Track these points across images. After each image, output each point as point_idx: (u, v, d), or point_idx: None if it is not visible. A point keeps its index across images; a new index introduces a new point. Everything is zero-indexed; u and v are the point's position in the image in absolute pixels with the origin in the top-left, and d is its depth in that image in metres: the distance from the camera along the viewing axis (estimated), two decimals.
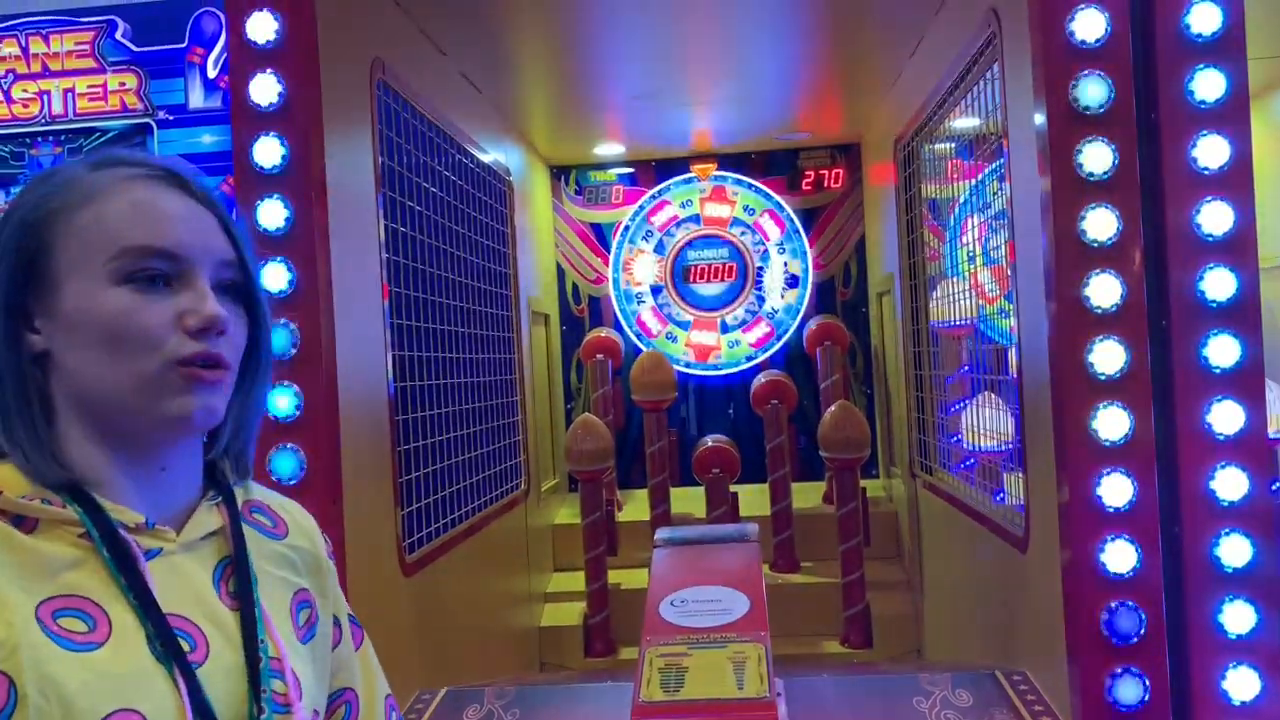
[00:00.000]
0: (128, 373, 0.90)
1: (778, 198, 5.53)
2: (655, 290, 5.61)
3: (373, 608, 2.32)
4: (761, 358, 5.52)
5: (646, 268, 5.60)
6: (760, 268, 5.54)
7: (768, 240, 5.54)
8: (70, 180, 0.94)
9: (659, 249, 5.59)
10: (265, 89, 1.97)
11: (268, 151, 1.97)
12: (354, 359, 2.38)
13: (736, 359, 5.55)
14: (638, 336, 5.56)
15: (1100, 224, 1.73)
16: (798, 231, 5.53)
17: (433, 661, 2.81)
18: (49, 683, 0.83)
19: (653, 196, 5.61)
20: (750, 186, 5.54)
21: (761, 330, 5.55)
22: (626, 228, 5.60)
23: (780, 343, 5.53)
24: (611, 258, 5.62)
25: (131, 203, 0.92)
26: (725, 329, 5.56)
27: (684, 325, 5.58)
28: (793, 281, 5.53)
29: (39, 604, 0.86)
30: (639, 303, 5.62)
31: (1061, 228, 1.77)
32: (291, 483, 2.08)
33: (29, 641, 0.84)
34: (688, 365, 5.54)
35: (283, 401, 2.10)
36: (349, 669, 1.12)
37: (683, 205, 5.58)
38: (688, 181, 5.56)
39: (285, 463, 2.08)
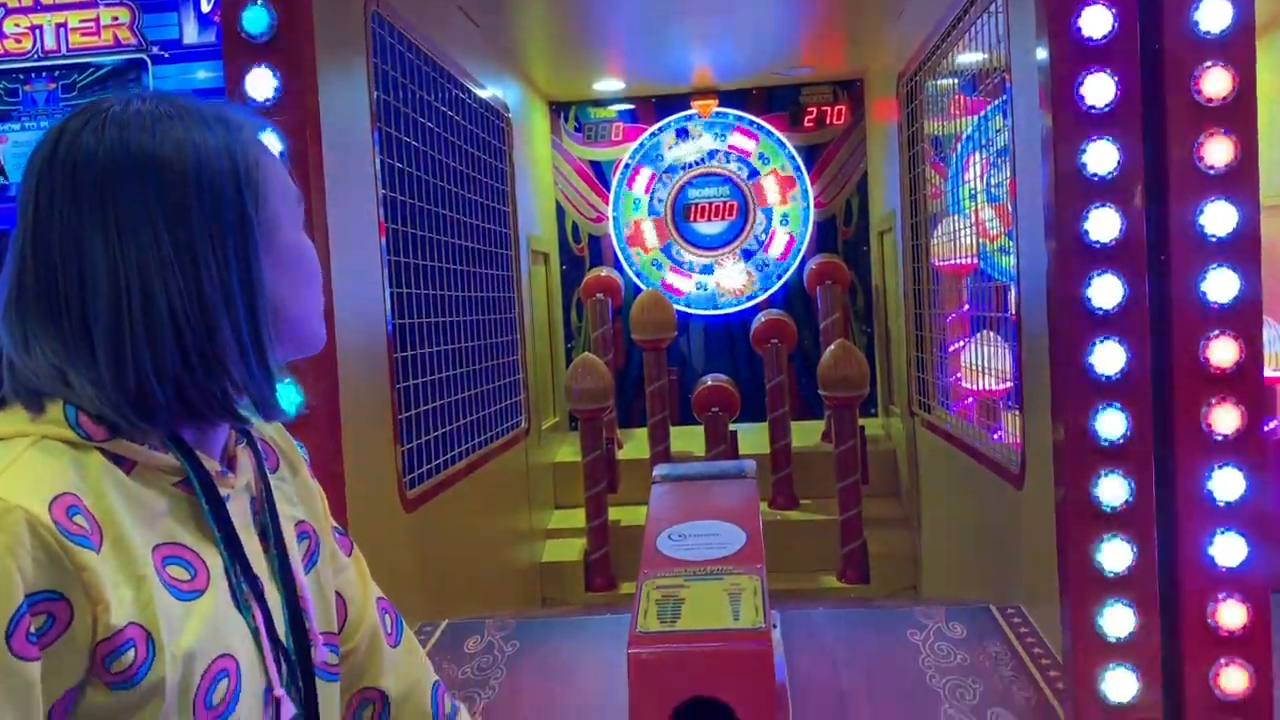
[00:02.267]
0: (317, 303, 0.99)
1: (779, 134, 5.47)
2: (665, 250, 5.55)
3: (373, 542, 2.33)
4: (761, 298, 5.50)
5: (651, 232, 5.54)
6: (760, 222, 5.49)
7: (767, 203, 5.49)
8: (251, 127, 0.96)
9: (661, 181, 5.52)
10: (256, 19, 1.94)
11: (260, 83, 1.95)
12: (351, 295, 2.38)
13: (770, 281, 5.52)
14: (630, 266, 5.54)
15: (1101, 158, 1.71)
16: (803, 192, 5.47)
17: (434, 596, 2.85)
18: (172, 633, 0.83)
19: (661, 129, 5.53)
20: (752, 124, 5.48)
21: (782, 240, 5.49)
22: (626, 165, 5.55)
23: (779, 284, 5.51)
24: (611, 196, 5.58)
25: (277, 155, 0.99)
26: (748, 256, 5.53)
27: (707, 270, 5.54)
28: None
29: (152, 549, 0.85)
30: (657, 269, 5.57)
31: (1062, 162, 1.76)
32: (289, 419, 2.08)
33: (154, 591, 0.83)
34: (718, 305, 5.52)
35: None
36: (342, 574, 1.14)
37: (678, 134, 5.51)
38: (688, 119, 5.50)
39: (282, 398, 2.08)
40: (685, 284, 5.56)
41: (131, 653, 0.80)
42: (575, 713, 2.09)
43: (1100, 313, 1.71)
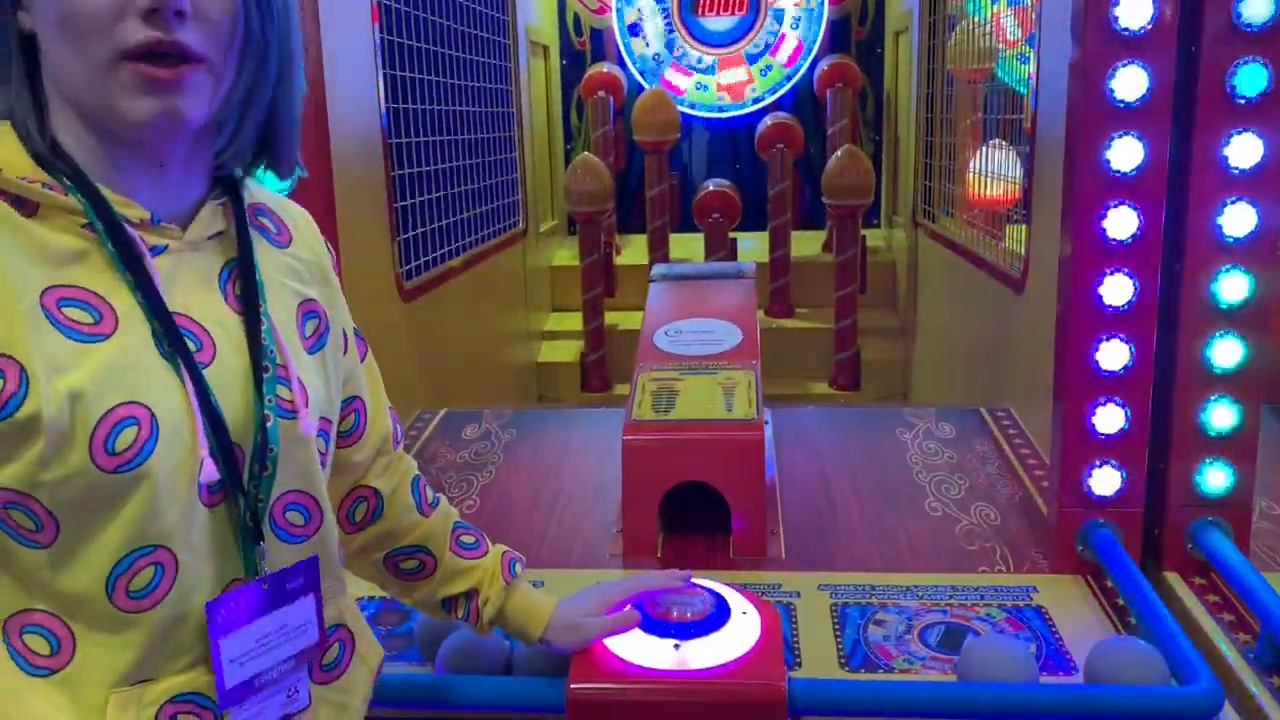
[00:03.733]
0: (82, 63, 0.83)
1: None
2: (669, 45, 5.30)
3: (370, 329, 2.34)
4: (767, 100, 5.31)
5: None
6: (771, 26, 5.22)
7: None
8: None
9: None
10: None
11: None
12: (341, 75, 2.28)
13: (776, 83, 5.31)
14: (641, 73, 5.32)
15: None
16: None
17: (432, 384, 2.88)
18: (56, 371, 0.81)
19: None
20: None
21: (790, 46, 5.25)
22: None
23: (787, 87, 5.31)
24: None
25: None
26: (752, 59, 5.31)
27: (709, 70, 5.32)
28: None
29: (43, 290, 0.82)
30: (658, 64, 5.32)
31: None
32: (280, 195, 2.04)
33: (34, 327, 0.81)
34: (722, 109, 5.33)
35: None
36: (356, 379, 1.13)
37: None
38: None
39: (269, 177, 2.03)
40: (685, 82, 5.35)
41: (1, 382, 0.79)
42: (570, 497, 2.14)
43: (1123, 105, 1.64)
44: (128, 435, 0.83)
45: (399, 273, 2.68)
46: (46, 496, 0.82)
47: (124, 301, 0.86)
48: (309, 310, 1.02)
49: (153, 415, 0.84)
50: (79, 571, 0.85)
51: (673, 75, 5.34)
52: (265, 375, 0.92)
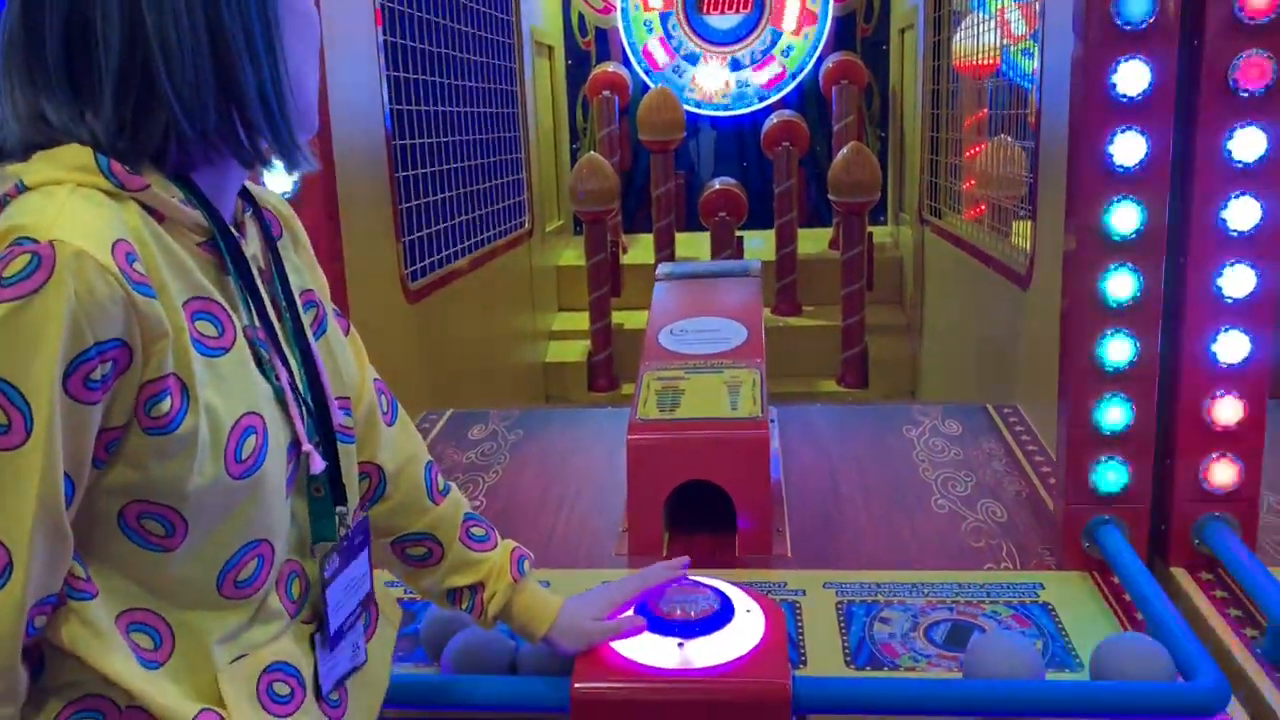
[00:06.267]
0: (315, 78, 0.97)
1: None
2: (664, 17, 5.28)
3: (375, 330, 2.34)
4: (775, 98, 5.31)
5: None
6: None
7: None
8: None
9: None
10: None
11: None
12: (344, 78, 2.29)
13: (747, 99, 5.33)
14: (646, 72, 5.32)
15: None
16: None
17: (438, 386, 2.89)
18: (202, 387, 0.84)
19: None
20: None
21: (773, 70, 5.29)
22: None
23: (794, 82, 5.30)
24: None
25: None
26: (736, 66, 5.31)
27: (692, 59, 5.31)
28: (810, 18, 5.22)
29: (184, 303, 0.85)
30: (647, 31, 5.30)
31: None
32: (315, 168, 2.05)
33: (189, 344, 0.84)
34: (697, 105, 5.33)
35: None
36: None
37: None
38: None
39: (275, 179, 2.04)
40: (714, 84, 5.32)
41: (168, 401, 0.82)
42: (576, 496, 2.15)
43: (1125, 100, 1.63)
44: (250, 443, 0.88)
45: (404, 274, 2.69)
46: (187, 505, 0.85)
47: (233, 311, 0.90)
48: (308, 300, 1.05)
49: (263, 421, 0.90)
50: (195, 568, 0.89)
51: (656, 49, 5.29)
52: (317, 371, 1.01)
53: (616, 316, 4.46)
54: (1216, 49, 1.61)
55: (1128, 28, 1.62)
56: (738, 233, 4.56)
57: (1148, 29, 1.61)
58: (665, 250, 4.64)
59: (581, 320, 4.53)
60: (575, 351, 4.52)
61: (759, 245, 4.78)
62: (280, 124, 0.91)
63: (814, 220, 5.23)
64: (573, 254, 5.03)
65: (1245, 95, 1.61)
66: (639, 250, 5.02)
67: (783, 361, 3.45)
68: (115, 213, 0.82)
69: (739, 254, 4.51)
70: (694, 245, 4.85)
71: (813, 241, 4.91)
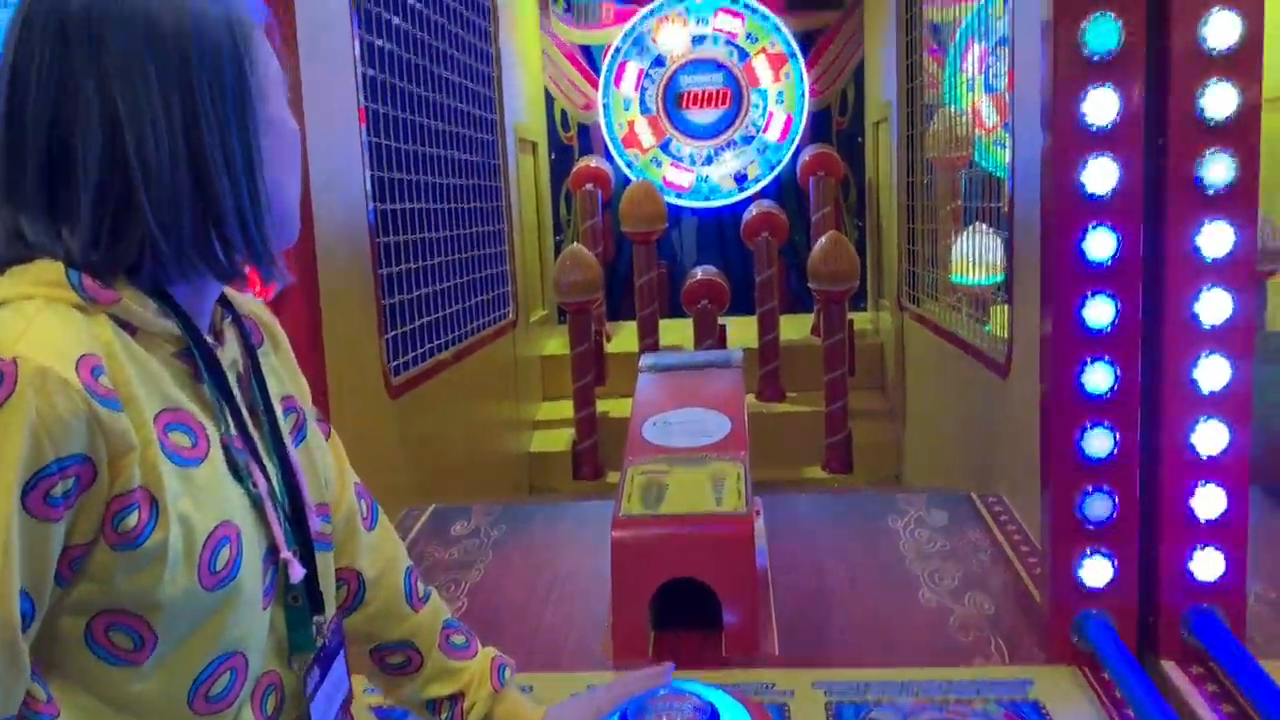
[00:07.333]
0: (297, 188, 0.97)
1: (768, 11, 5.30)
2: (663, 146, 5.41)
3: (358, 427, 2.35)
4: (754, 189, 5.41)
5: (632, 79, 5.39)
6: (755, 104, 5.35)
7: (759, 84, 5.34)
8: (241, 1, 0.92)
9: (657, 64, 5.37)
10: None
11: None
12: (330, 178, 2.33)
13: (717, 191, 5.42)
14: (628, 165, 5.42)
15: (1101, 37, 1.65)
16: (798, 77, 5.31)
17: (421, 481, 2.87)
18: (174, 499, 0.83)
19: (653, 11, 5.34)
20: (746, 6, 5.30)
21: (779, 126, 5.37)
22: (617, 49, 5.39)
23: (772, 174, 5.41)
24: (601, 86, 5.42)
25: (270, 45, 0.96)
26: (748, 140, 5.39)
27: (707, 161, 5.40)
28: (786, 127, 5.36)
29: (156, 415, 0.85)
30: (657, 166, 5.42)
31: (1061, 43, 1.69)
32: (290, 280, 2.06)
33: (159, 456, 0.83)
34: (680, 197, 5.43)
35: None
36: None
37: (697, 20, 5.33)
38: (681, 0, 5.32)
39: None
40: (686, 178, 5.45)
41: (136, 515, 0.81)
42: (560, 596, 2.12)
43: (1093, 198, 1.67)
44: (224, 554, 0.87)
45: (387, 369, 2.69)
46: (157, 616, 0.84)
47: (208, 423, 0.90)
48: (288, 406, 1.05)
49: (239, 531, 0.89)
50: (165, 682, 0.87)
51: (674, 174, 5.44)
52: (295, 479, 1.00)
53: (601, 404, 4.46)
54: (1180, 148, 1.66)
55: (1094, 129, 1.67)
56: (720, 320, 4.60)
57: (1114, 130, 1.66)
58: (649, 338, 4.67)
59: (566, 409, 4.53)
60: (560, 440, 4.51)
61: (742, 331, 4.82)
62: (257, 240, 0.91)
63: (795, 306, 5.29)
64: (557, 343, 5.05)
65: (1211, 192, 1.65)
66: (623, 338, 5.05)
67: (768, 448, 3.45)
68: (85, 327, 0.82)
69: (722, 341, 4.54)
70: (677, 332, 4.88)
71: (795, 327, 4.96)
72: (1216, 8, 1.62)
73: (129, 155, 0.84)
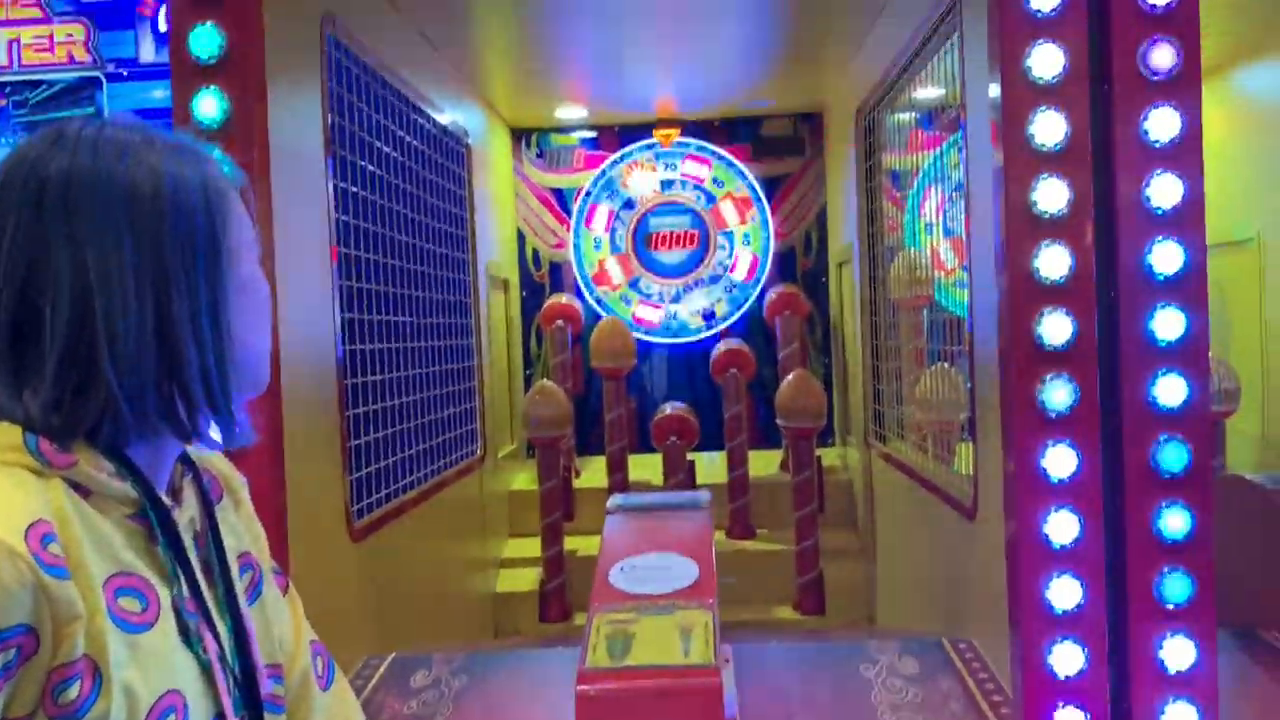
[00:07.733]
0: (267, 342, 0.98)
1: (733, 159, 5.49)
2: (633, 284, 5.55)
3: (318, 573, 2.29)
4: (721, 326, 5.50)
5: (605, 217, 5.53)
6: (722, 245, 5.50)
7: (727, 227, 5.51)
8: (217, 162, 0.95)
9: (627, 206, 5.53)
10: (206, 40, 1.91)
11: (207, 106, 1.91)
12: (299, 320, 2.34)
13: (685, 328, 5.53)
14: (598, 302, 5.51)
15: (1051, 195, 1.72)
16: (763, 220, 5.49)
17: (383, 627, 2.79)
18: (117, 666, 0.81)
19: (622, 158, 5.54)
20: (703, 149, 5.49)
21: (745, 266, 5.50)
22: (588, 192, 5.54)
23: (739, 312, 5.51)
24: (571, 228, 5.56)
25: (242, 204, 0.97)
26: (715, 280, 5.52)
27: (676, 298, 5.54)
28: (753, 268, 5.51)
29: (105, 580, 0.83)
30: (626, 304, 5.55)
31: (1013, 199, 1.77)
32: (252, 441, 2.04)
33: (107, 624, 0.82)
34: (649, 333, 5.51)
35: None
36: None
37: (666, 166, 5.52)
38: (650, 148, 5.51)
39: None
40: (655, 315, 5.56)
41: (78, 686, 0.79)
42: None
43: (1050, 348, 1.71)
44: None
45: (350, 511, 2.65)
46: None
47: (160, 587, 0.88)
48: (245, 563, 1.03)
49: (184, 700, 0.86)
50: None
51: (643, 311, 5.55)
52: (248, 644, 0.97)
53: (569, 542, 4.39)
54: (1131, 303, 1.71)
55: (1047, 282, 1.72)
56: (689, 455, 4.59)
57: (1065, 285, 1.72)
58: (618, 473, 4.64)
59: (533, 547, 4.45)
60: (527, 580, 4.43)
61: (711, 466, 4.81)
62: (221, 401, 0.91)
63: (764, 441, 5.30)
64: (525, 478, 5.01)
65: (1164, 345, 1.70)
66: (592, 473, 5.02)
67: (739, 588, 3.40)
68: (38, 492, 0.82)
69: (691, 476, 4.53)
70: (647, 467, 4.87)
71: (764, 463, 4.95)
72: (1161, 170, 1.70)
73: (97, 323, 0.84)
